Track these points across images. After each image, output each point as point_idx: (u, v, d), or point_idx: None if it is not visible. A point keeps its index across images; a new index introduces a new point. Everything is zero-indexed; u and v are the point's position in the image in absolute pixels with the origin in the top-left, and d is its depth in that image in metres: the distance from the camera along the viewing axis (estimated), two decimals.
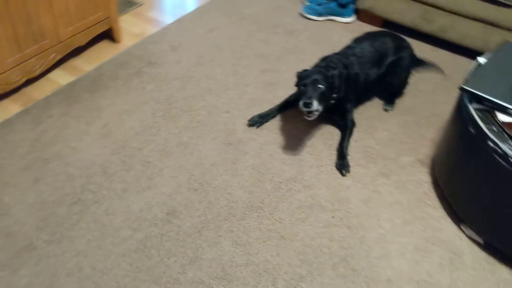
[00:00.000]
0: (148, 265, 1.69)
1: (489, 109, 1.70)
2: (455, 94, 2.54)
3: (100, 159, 2.06)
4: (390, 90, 2.47)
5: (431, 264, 1.76)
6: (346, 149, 2.16)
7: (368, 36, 2.40)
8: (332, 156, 2.15)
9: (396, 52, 2.34)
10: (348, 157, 2.13)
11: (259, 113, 2.32)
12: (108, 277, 1.65)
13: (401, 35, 2.46)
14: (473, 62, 2.82)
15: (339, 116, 2.26)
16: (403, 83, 2.46)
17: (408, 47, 2.41)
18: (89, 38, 2.56)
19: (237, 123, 2.29)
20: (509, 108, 1.66)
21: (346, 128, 2.22)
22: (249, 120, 2.29)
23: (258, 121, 2.29)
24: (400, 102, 2.48)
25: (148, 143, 2.15)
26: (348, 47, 2.33)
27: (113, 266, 1.68)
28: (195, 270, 1.68)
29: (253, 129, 2.26)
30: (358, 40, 2.38)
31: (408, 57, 2.38)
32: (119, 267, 1.68)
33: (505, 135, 1.62)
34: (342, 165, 2.09)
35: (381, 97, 2.51)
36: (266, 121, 2.30)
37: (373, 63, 2.28)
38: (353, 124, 2.25)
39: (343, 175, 2.06)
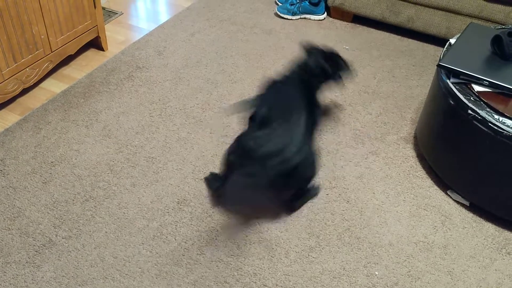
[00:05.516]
0: (167, 250, 1.78)
1: (465, 81, 1.90)
2: (426, 78, 2.77)
3: (105, 159, 2.14)
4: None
5: (426, 227, 1.93)
6: None
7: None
8: (321, 141, 2.30)
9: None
10: None
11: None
12: (131, 264, 1.73)
13: None
14: (439, 49, 3.06)
15: None
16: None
17: None
18: (79, 47, 2.63)
19: (230, 117, 2.41)
20: (483, 79, 1.85)
21: None
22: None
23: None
24: (378, 88, 2.66)
25: (149, 141, 2.24)
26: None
27: (134, 254, 1.77)
28: (212, 250, 1.79)
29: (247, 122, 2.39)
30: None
31: None
32: (140, 254, 1.76)
33: (482, 103, 1.81)
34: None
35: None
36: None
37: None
38: None
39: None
